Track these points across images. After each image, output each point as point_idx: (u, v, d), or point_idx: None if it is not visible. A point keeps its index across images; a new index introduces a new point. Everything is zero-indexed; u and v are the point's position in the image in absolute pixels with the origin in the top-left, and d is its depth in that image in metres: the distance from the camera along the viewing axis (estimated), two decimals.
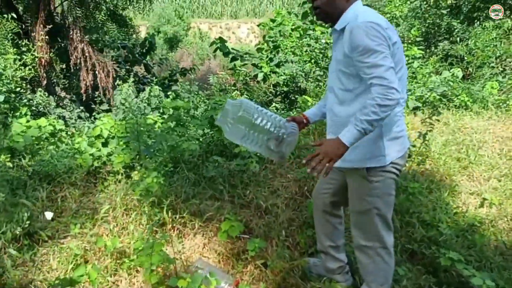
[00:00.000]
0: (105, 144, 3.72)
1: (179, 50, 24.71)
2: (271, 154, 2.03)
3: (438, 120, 3.56)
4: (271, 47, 8.52)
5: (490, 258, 2.62)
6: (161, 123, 4.26)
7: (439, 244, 2.69)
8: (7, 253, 2.49)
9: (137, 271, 2.46)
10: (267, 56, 8.08)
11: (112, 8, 12.55)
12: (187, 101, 4.78)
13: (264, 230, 2.81)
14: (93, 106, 7.33)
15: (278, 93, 7.58)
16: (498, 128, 5.04)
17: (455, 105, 6.24)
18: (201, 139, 4.00)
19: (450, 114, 5.76)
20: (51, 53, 9.33)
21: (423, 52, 8.51)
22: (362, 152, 1.87)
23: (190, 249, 2.69)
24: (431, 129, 3.46)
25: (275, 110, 6.17)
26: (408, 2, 11.12)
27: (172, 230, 2.83)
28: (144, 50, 12.55)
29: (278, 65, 7.69)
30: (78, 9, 10.64)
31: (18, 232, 2.61)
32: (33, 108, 6.61)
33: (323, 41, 7.64)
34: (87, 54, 9.62)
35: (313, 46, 7.77)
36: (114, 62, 10.56)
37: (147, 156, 3.50)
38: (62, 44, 10.23)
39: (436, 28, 10.60)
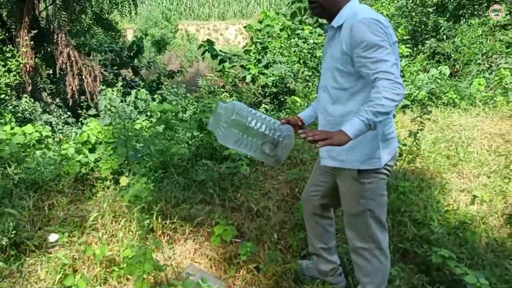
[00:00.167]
0: (92, 150, 3.66)
1: (167, 52, 24.60)
2: (267, 158, 1.96)
3: (428, 119, 3.56)
4: (259, 48, 8.51)
5: (482, 255, 2.63)
6: (149, 127, 4.21)
7: (431, 242, 2.69)
8: None
9: (127, 279, 2.42)
10: (255, 58, 8.07)
11: (98, 12, 12.44)
12: (175, 104, 4.73)
13: (256, 234, 2.79)
14: (80, 111, 7.24)
15: (267, 94, 7.57)
16: (486, 125, 5.07)
17: (443, 103, 6.28)
18: (190, 142, 3.96)
19: (439, 111, 5.79)
20: (37, 59, 9.21)
21: (410, 50, 8.57)
22: (358, 153, 1.84)
23: (181, 255, 2.65)
24: (422, 128, 3.46)
25: (265, 112, 6.15)
26: (395, 1, 11.22)
27: (163, 236, 2.79)
28: (132, 53, 12.46)
29: (266, 66, 7.68)
30: (63, 13, 10.53)
31: (4, 243, 2.55)
32: (19, 114, 6.51)
33: (311, 41, 7.65)
34: (73, 59, 9.53)
35: (301, 47, 7.78)
36: (101, 66, 10.46)
37: (135, 162, 3.45)
38: (48, 49, 10.12)
39: (422, 26, 10.71)
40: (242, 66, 7.87)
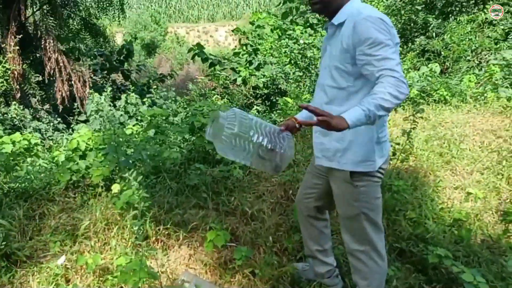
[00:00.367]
0: (83, 157, 3.60)
1: (157, 55, 24.52)
2: (264, 164, 1.90)
3: (421, 117, 3.56)
4: (250, 50, 8.49)
5: (477, 252, 2.62)
6: (140, 132, 4.17)
7: (427, 241, 2.68)
8: None
9: None
10: (246, 60, 8.05)
11: (85, 18, 12.35)
12: (165, 108, 4.69)
13: (251, 237, 2.76)
14: (70, 117, 7.17)
15: (258, 95, 7.56)
16: (478, 121, 5.09)
17: (435, 100, 6.29)
18: (182, 146, 3.93)
19: (430, 109, 5.80)
20: (25, 65, 9.11)
21: (400, 48, 8.59)
22: (352, 155, 1.82)
23: (176, 261, 2.61)
24: (415, 126, 3.46)
25: (257, 113, 6.13)
26: (384, 0, 11.26)
27: (156, 243, 2.75)
28: (121, 57, 12.37)
29: (257, 68, 7.66)
30: (50, 18, 10.43)
31: None
32: (8, 122, 6.42)
33: (302, 41, 7.64)
34: (61, 64, 9.44)
35: (291, 47, 7.77)
36: (91, 71, 10.37)
37: (126, 168, 3.40)
38: (37, 55, 10.01)
39: (412, 24, 10.76)
40: (232, 69, 7.84)
